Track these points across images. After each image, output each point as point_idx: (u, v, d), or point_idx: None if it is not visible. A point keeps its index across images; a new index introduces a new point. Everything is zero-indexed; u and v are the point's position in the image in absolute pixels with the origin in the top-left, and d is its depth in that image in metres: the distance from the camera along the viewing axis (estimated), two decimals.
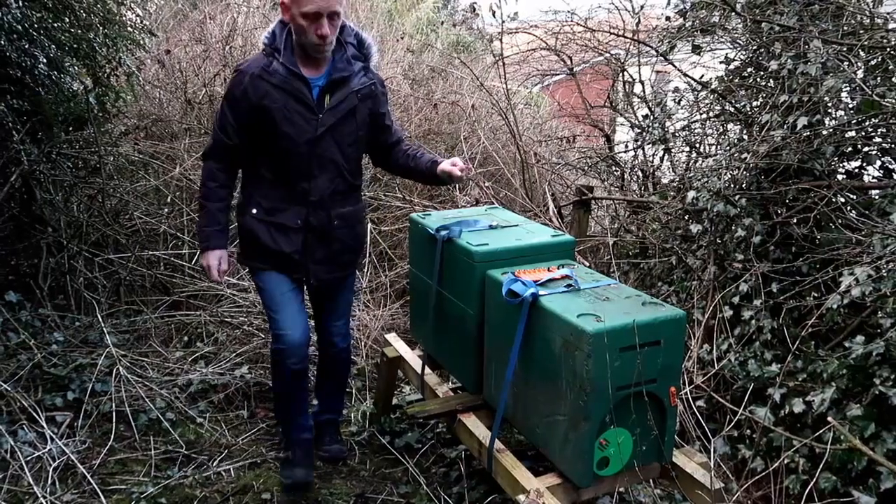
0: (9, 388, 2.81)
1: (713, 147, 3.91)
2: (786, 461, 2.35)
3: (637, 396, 1.88)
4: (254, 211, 2.42)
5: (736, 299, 2.87)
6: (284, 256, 2.43)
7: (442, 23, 9.06)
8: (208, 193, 2.44)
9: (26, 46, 3.04)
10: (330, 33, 2.22)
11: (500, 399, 2.15)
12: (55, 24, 3.36)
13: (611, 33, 4.69)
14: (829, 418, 1.81)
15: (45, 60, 3.15)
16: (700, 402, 2.74)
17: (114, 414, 2.88)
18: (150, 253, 4.01)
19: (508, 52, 5.23)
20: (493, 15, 4.99)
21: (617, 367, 1.81)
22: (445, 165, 2.48)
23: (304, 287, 2.61)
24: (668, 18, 4.08)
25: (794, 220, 2.88)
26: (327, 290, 2.63)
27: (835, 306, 2.40)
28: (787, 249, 2.90)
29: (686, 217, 3.42)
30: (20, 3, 2.98)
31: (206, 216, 2.44)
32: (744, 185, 3.01)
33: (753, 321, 2.78)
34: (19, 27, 2.95)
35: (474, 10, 5.64)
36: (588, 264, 3.80)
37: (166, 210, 4.40)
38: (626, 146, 4.65)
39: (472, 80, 6.00)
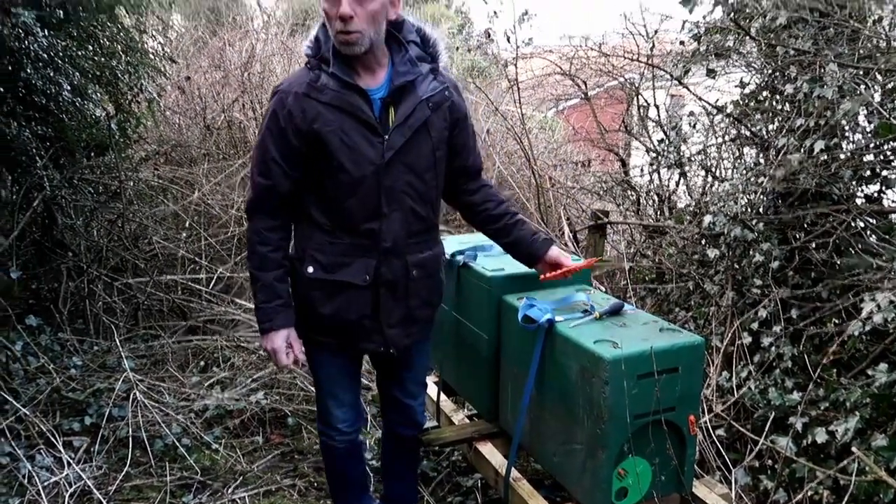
0: (28, 413, 2.83)
1: (729, 171, 3.89)
2: (809, 493, 2.30)
3: (655, 425, 1.85)
4: (309, 270, 1.90)
5: (755, 325, 2.83)
6: (351, 326, 1.94)
7: (457, 48, 9.15)
8: (262, 262, 1.90)
9: (51, 74, 3.11)
10: (354, 13, 1.69)
11: (517, 427, 2.13)
12: (79, 53, 3.44)
13: (625, 58, 4.71)
14: (854, 448, 1.77)
15: (69, 88, 3.22)
16: (720, 431, 2.69)
17: (130, 439, 2.88)
18: (168, 277, 4.05)
19: (523, 77, 5.27)
20: (508, 40, 5.04)
21: (635, 394, 1.79)
22: (558, 257, 2.12)
23: (367, 356, 2.19)
24: (682, 43, 4.09)
25: (813, 245, 2.85)
26: (402, 357, 2.10)
27: (856, 333, 2.36)
28: (807, 275, 2.86)
29: (703, 242, 3.40)
30: (46, 33, 3.05)
31: (262, 290, 1.91)
32: (761, 210, 2.99)
33: (773, 348, 2.74)
34: (45, 55, 3.02)
35: (489, 35, 5.71)
36: (604, 289, 3.78)
37: (184, 234, 4.45)
38: (642, 170, 4.64)
39: (488, 105, 6.05)
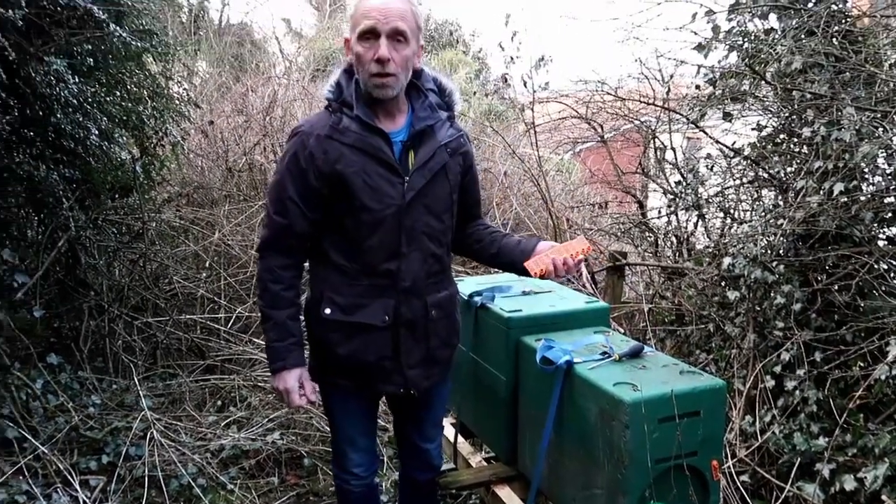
0: (46, 451, 2.84)
1: (748, 213, 3.89)
2: None
3: (677, 470, 1.82)
4: (326, 311, 1.89)
5: (778, 368, 2.79)
6: (370, 367, 1.92)
7: (475, 93, 9.30)
8: (274, 300, 1.89)
9: (80, 119, 3.20)
10: (392, 58, 1.74)
11: (535, 470, 2.10)
12: (107, 98, 3.54)
13: (641, 101, 4.76)
14: (884, 497, 1.72)
15: (96, 132, 3.30)
16: (744, 477, 2.63)
17: (146, 479, 2.87)
18: (188, 316, 4.08)
19: (540, 121, 5.34)
20: (525, 85, 5.13)
21: (655, 438, 1.76)
22: (539, 260, 1.89)
23: (383, 398, 2.16)
24: (698, 87, 4.13)
25: (836, 288, 2.81)
26: (420, 400, 2.07)
27: (883, 377, 2.32)
28: (830, 317, 2.82)
29: (723, 283, 3.37)
30: (77, 79, 3.15)
31: (274, 329, 1.89)
32: (781, 252, 2.97)
33: (797, 392, 2.69)
34: (75, 101, 3.11)
35: (506, 80, 5.80)
36: (623, 331, 3.75)
37: (204, 274, 4.49)
38: (659, 212, 4.64)
39: (505, 148, 6.12)
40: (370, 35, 1.75)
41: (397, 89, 1.81)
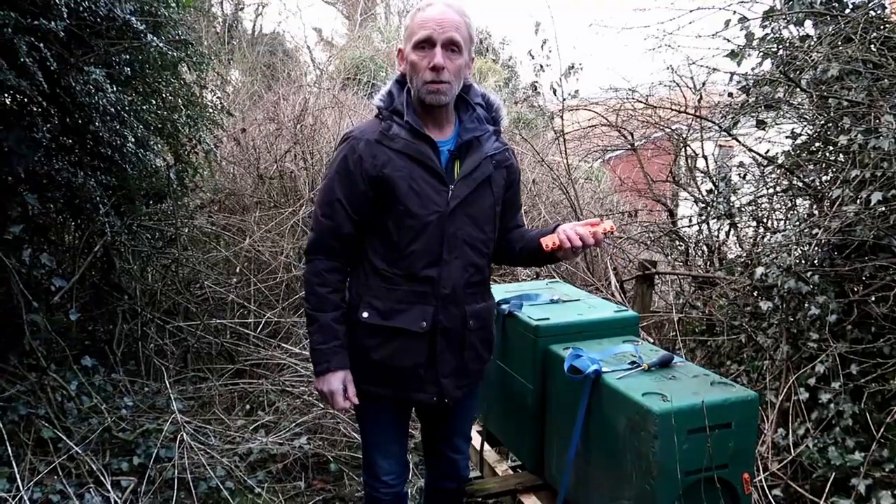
0: (80, 451, 2.90)
1: (781, 222, 3.82)
2: None
3: (708, 482, 1.79)
4: (364, 315, 1.91)
5: (812, 381, 2.73)
6: (404, 374, 1.93)
7: (504, 101, 9.31)
8: (320, 303, 1.90)
9: (118, 127, 3.27)
10: (446, 66, 1.80)
11: (563, 480, 2.08)
12: (144, 107, 3.62)
13: (672, 109, 4.72)
14: None
15: (133, 140, 3.37)
16: (776, 491, 2.58)
17: (175, 481, 2.91)
18: (218, 321, 4.14)
19: (569, 129, 5.32)
20: (554, 93, 5.12)
21: (685, 450, 1.73)
22: (553, 236, 1.87)
23: (415, 408, 2.15)
24: (730, 94, 4.08)
25: (873, 299, 2.75)
26: (451, 410, 2.08)
27: None
28: (866, 329, 2.75)
29: (755, 294, 3.32)
30: (115, 88, 3.22)
31: (319, 331, 1.90)
32: (816, 262, 2.91)
33: (832, 405, 2.63)
34: (112, 110, 3.18)
35: (535, 88, 5.79)
36: (652, 341, 3.70)
37: (235, 280, 4.55)
38: (690, 221, 4.59)
39: (533, 156, 6.10)
40: (426, 44, 1.81)
41: (450, 96, 1.86)
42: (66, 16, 2.81)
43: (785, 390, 2.81)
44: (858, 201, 2.73)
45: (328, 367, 1.90)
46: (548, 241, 1.88)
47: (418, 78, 1.83)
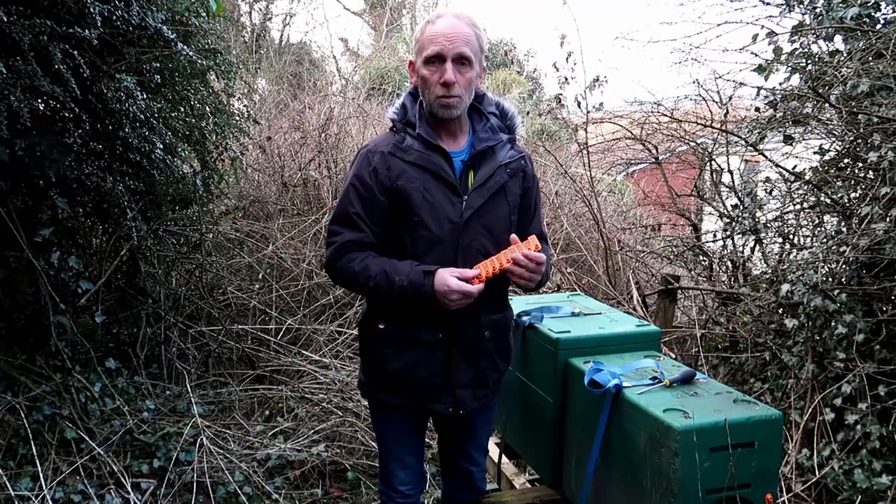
0: (101, 452, 2.93)
1: (808, 239, 3.76)
2: None
3: (729, 502, 1.76)
4: (380, 326, 1.93)
5: (838, 401, 2.67)
6: (420, 384, 1.94)
7: (528, 112, 9.31)
8: (366, 269, 1.85)
9: (146, 133, 3.33)
10: (457, 81, 1.81)
11: (581, 495, 2.06)
12: (172, 114, 3.68)
13: (698, 123, 4.68)
14: None
15: (161, 146, 3.43)
16: None
17: (194, 485, 2.93)
18: (240, 327, 4.18)
19: (593, 141, 5.30)
20: (579, 105, 5.10)
21: (707, 468, 1.71)
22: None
23: (430, 418, 2.14)
24: (757, 109, 4.04)
25: None
26: (467, 421, 2.09)
27: None
28: (895, 350, 2.70)
29: (780, 311, 3.27)
30: (145, 96, 3.29)
31: (388, 275, 1.83)
32: (843, 280, 2.86)
33: (859, 426, 2.58)
34: (142, 116, 3.24)
35: (559, 100, 5.78)
36: (674, 356, 3.66)
37: (257, 286, 4.59)
38: (715, 236, 4.53)
39: (556, 168, 6.09)
40: (436, 59, 1.82)
41: (461, 109, 1.88)
42: (99, 24, 2.88)
43: (810, 410, 2.76)
44: (888, 219, 2.68)
45: (430, 272, 1.81)
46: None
47: (430, 93, 1.85)
